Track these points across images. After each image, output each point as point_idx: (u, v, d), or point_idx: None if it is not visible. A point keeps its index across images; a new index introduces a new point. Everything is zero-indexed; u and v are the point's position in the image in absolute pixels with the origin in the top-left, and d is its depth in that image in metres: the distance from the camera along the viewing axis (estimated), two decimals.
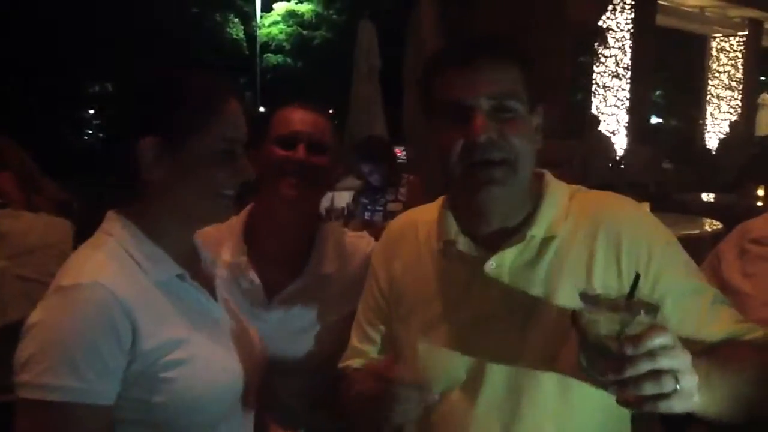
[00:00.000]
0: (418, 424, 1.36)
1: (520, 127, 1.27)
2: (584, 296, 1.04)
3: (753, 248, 1.97)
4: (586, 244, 1.30)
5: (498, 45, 1.31)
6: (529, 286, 1.29)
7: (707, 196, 7.90)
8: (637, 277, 1.05)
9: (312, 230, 1.75)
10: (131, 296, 1.16)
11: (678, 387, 0.96)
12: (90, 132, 22.69)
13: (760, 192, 6.20)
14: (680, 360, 0.97)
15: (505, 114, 1.26)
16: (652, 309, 1.01)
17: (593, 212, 1.33)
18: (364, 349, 1.49)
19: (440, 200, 1.47)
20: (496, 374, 1.28)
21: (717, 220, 5.15)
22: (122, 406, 1.16)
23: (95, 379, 1.11)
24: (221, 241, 1.70)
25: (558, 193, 1.36)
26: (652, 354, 0.95)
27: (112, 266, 1.19)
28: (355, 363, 1.49)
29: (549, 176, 1.39)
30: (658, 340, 0.95)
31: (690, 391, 0.98)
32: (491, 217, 1.33)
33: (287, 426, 1.53)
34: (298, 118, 1.67)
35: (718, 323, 1.28)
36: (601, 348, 0.99)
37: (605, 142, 10.13)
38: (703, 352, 1.20)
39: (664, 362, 0.95)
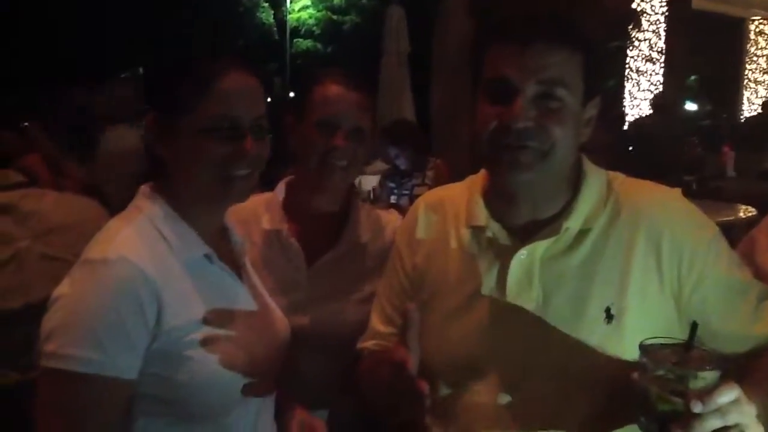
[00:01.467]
0: (441, 412, 1.34)
1: (564, 118, 1.20)
2: (644, 349, 1.01)
3: None
4: (625, 240, 1.24)
5: (561, 28, 1.22)
6: (562, 281, 1.24)
7: (742, 182, 7.75)
8: (695, 325, 1.02)
9: (347, 201, 1.77)
10: (158, 274, 1.17)
11: None
12: None
13: None
14: (747, 414, 0.96)
15: (551, 102, 1.20)
16: (715, 361, 0.99)
17: (632, 206, 1.27)
18: (385, 331, 1.46)
19: (469, 181, 1.42)
20: (522, 371, 1.24)
21: (752, 206, 5.05)
22: (144, 382, 1.17)
23: (118, 353, 1.12)
24: (258, 214, 1.72)
25: (596, 182, 1.30)
26: (721, 411, 0.93)
27: (140, 242, 1.20)
28: (374, 346, 1.47)
29: (587, 163, 1.33)
30: (727, 397, 0.94)
31: None
32: (521, 204, 1.28)
33: (312, 406, 1.52)
34: (338, 100, 1.65)
35: (763, 321, 1.24)
36: (665, 407, 0.98)
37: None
38: (753, 362, 1.19)
39: (732, 418, 0.94)
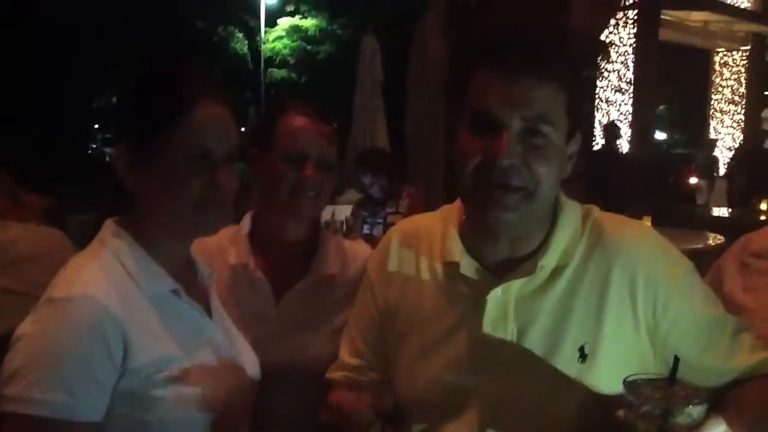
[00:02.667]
0: None
1: (548, 156, 1.17)
2: (628, 385, 1.01)
3: (753, 262, 1.94)
4: (599, 278, 1.23)
5: (549, 62, 1.16)
6: (536, 319, 1.23)
7: (711, 211, 7.87)
8: (677, 360, 1.02)
9: (315, 233, 1.76)
10: (124, 311, 1.14)
11: None
12: (94, 146, 22.82)
13: (764, 206, 6.18)
14: None
15: (536, 140, 1.16)
16: (701, 396, 0.99)
17: (607, 243, 1.25)
18: (353, 364, 1.43)
19: (444, 212, 1.38)
20: (495, 410, 1.23)
21: (722, 234, 5.13)
22: (112, 423, 1.13)
23: (84, 394, 1.09)
24: (224, 248, 1.70)
25: (571, 217, 1.28)
26: None
27: (105, 279, 1.17)
28: (340, 377, 1.44)
29: (563, 198, 1.30)
30: (715, 431, 0.95)
31: None
32: (499, 242, 1.25)
33: None
34: (305, 133, 1.66)
35: (740, 355, 1.25)
36: None
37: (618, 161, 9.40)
38: (731, 396, 1.19)
39: None
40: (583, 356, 1.20)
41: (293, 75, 22.02)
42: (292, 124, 1.67)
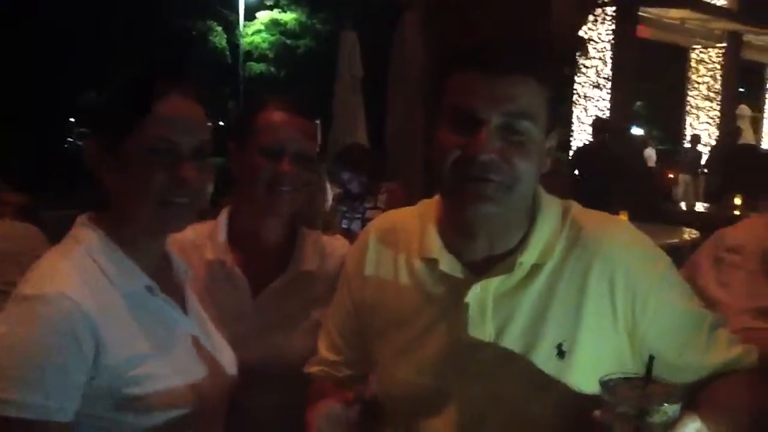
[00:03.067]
0: None
1: (528, 151, 1.18)
2: (604, 385, 1.01)
3: (727, 257, 1.97)
4: (578, 276, 1.23)
5: (527, 58, 1.18)
6: (515, 316, 1.23)
7: (686, 206, 7.97)
8: (652, 358, 1.03)
9: (292, 229, 1.75)
10: (97, 309, 1.13)
11: None
12: (70, 140, 22.55)
13: (737, 201, 6.26)
14: None
15: (515, 136, 1.17)
16: (676, 394, 1.00)
17: (587, 240, 1.25)
18: (331, 359, 1.44)
19: (422, 207, 1.38)
20: (475, 407, 1.23)
21: (698, 230, 5.20)
22: (83, 423, 1.12)
23: (55, 394, 1.08)
24: (200, 243, 1.69)
25: (551, 214, 1.28)
26: None
27: (78, 276, 1.16)
28: (318, 371, 1.44)
29: (541, 192, 1.30)
30: (690, 428, 0.96)
31: None
32: (477, 238, 1.25)
33: None
34: (283, 127, 1.64)
35: (716, 351, 1.26)
36: None
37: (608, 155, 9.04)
38: (709, 391, 1.21)
39: None
40: (561, 353, 1.20)
41: (272, 69, 21.91)
42: (270, 119, 1.65)
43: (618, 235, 1.29)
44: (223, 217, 1.74)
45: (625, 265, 1.23)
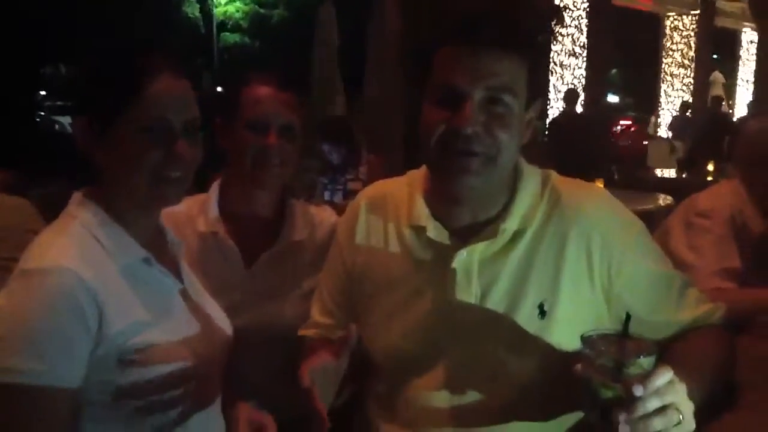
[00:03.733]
0: (385, 405, 1.40)
1: (510, 123, 1.23)
2: (585, 340, 1.07)
3: (698, 221, 2.06)
4: (557, 240, 1.30)
5: (510, 31, 1.21)
6: (498, 279, 1.30)
7: (662, 173, 8.10)
8: (629, 316, 1.09)
9: (282, 201, 1.80)
10: (97, 280, 1.17)
11: (682, 417, 1.02)
12: (42, 114, 22.15)
13: (710, 167, 6.38)
14: (680, 392, 1.02)
15: (498, 108, 1.22)
16: (650, 348, 1.05)
17: (565, 206, 1.32)
18: (324, 322, 1.50)
19: (409, 177, 1.44)
20: (461, 364, 1.30)
21: (670, 196, 5.30)
22: (88, 389, 1.16)
23: (61, 362, 1.12)
24: (193, 216, 1.73)
25: (531, 182, 1.35)
26: (658, 392, 0.99)
27: (76, 250, 1.19)
28: (313, 333, 1.51)
29: (522, 162, 1.36)
30: (663, 379, 1.00)
31: (689, 418, 1.04)
32: (463, 206, 1.32)
33: (256, 404, 1.54)
34: (269, 100, 1.67)
35: (687, 308, 1.35)
36: (608, 394, 1.03)
37: (579, 124, 8.96)
38: (678, 344, 1.29)
39: (668, 398, 1.00)
40: (542, 313, 1.27)
41: (246, 39, 21.65)
42: (255, 93, 1.68)
43: (594, 202, 1.35)
44: (214, 190, 1.78)
45: (601, 229, 1.30)
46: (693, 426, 1.05)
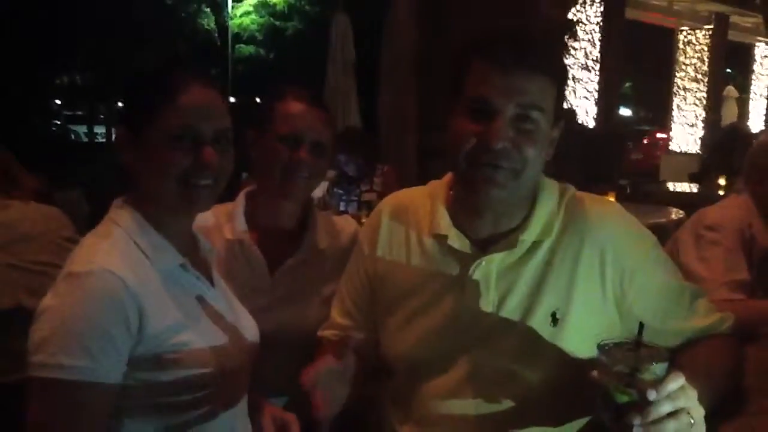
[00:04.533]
0: (397, 408, 1.45)
1: (536, 140, 1.29)
2: (601, 348, 1.12)
3: (707, 234, 2.11)
4: (572, 251, 1.35)
5: (540, 55, 1.29)
6: (515, 288, 1.35)
7: (673, 186, 8.09)
8: (642, 326, 1.14)
9: (306, 209, 1.87)
10: (138, 283, 1.24)
11: (693, 421, 1.07)
12: (58, 123, 22.38)
13: (722, 181, 6.38)
14: (692, 398, 1.07)
15: (527, 125, 1.28)
16: (663, 355, 1.10)
17: (581, 220, 1.38)
18: (343, 323, 1.57)
19: (430, 188, 1.49)
20: (476, 368, 1.35)
21: (682, 209, 5.31)
22: (127, 386, 1.23)
23: (105, 360, 1.19)
24: (220, 224, 1.81)
25: (550, 196, 1.40)
26: (670, 397, 1.04)
27: (119, 255, 1.26)
28: (331, 335, 1.58)
29: (542, 177, 1.41)
30: (675, 384, 1.05)
31: (700, 422, 1.09)
32: (485, 216, 1.37)
33: (278, 405, 1.60)
34: (301, 117, 1.75)
35: (696, 317, 1.40)
36: (623, 399, 1.08)
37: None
38: (688, 352, 1.34)
39: (680, 402, 1.05)
40: (554, 321, 1.33)
41: (261, 51, 21.81)
42: (289, 108, 1.77)
43: (608, 216, 1.41)
44: (241, 199, 1.86)
45: (614, 242, 1.36)
46: (703, 430, 1.10)
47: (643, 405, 1.04)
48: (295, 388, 1.66)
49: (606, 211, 1.43)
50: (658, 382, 1.05)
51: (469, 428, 1.36)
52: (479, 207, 1.36)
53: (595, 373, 1.11)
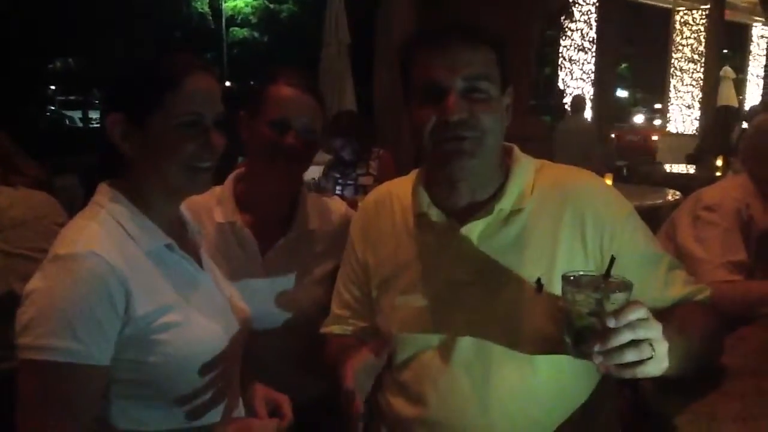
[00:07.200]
0: (392, 381, 1.46)
1: (491, 107, 1.36)
2: (566, 278, 1.15)
3: (704, 215, 2.10)
4: (552, 218, 1.39)
5: (474, 29, 1.38)
6: (497, 256, 1.39)
7: (670, 167, 8.11)
8: (613, 259, 1.16)
9: (295, 192, 1.87)
10: (124, 265, 1.23)
11: (654, 353, 1.08)
12: (53, 108, 22.29)
13: (718, 162, 6.39)
14: (654, 330, 1.09)
15: (478, 95, 1.35)
16: (626, 287, 1.12)
17: (559, 187, 1.42)
18: (342, 315, 1.60)
19: (413, 174, 1.56)
20: (467, 337, 1.37)
21: (679, 190, 5.32)
22: (116, 367, 1.23)
23: (92, 341, 1.18)
24: (210, 207, 1.80)
25: (525, 168, 1.45)
26: (631, 326, 1.06)
27: (105, 237, 1.26)
28: (336, 329, 1.60)
29: (517, 151, 1.49)
30: (637, 314, 1.07)
31: (663, 356, 1.11)
32: (460, 188, 1.42)
33: (270, 386, 1.60)
34: (291, 102, 1.74)
35: (674, 287, 1.43)
36: (584, 324, 1.11)
37: (584, 129, 8.77)
38: (663, 314, 1.31)
39: (641, 332, 1.07)
40: (540, 287, 1.35)
41: (255, 34, 21.70)
42: (279, 93, 1.75)
43: (587, 183, 1.46)
44: (229, 182, 1.85)
45: (593, 208, 1.40)
46: (666, 363, 1.12)
47: (603, 333, 1.07)
48: (288, 367, 1.68)
49: (583, 177, 1.48)
50: (619, 311, 1.07)
51: (465, 401, 1.36)
52: (453, 179, 1.40)
53: (560, 302, 1.14)
